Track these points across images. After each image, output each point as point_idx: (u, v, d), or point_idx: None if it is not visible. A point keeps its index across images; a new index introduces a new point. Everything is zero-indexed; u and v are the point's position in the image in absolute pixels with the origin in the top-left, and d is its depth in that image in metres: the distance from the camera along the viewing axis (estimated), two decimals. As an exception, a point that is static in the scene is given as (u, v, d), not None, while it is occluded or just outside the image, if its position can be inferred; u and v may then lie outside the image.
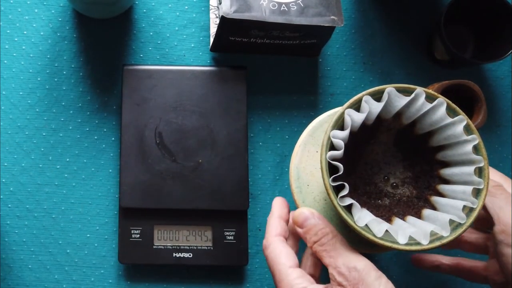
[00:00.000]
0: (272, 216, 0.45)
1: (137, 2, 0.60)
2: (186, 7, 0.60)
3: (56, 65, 0.58)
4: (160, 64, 0.58)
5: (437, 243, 0.38)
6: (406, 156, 0.44)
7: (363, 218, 0.38)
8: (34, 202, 0.56)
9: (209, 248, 0.55)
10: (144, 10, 0.60)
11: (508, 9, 0.56)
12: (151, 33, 0.60)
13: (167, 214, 0.55)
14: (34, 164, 0.57)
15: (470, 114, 0.55)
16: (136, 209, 0.54)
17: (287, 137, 0.59)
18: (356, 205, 0.38)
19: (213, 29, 0.58)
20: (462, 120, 0.39)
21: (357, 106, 0.40)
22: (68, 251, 0.56)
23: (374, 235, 0.38)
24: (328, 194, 0.38)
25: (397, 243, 0.37)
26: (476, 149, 0.39)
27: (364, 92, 0.39)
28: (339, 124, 0.39)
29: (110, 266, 0.56)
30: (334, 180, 0.38)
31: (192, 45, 0.60)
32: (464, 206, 0.38)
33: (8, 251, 0.56)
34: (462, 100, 0.54)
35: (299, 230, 0.41)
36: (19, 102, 0.58)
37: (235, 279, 0.57)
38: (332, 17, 0.53)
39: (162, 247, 0.54)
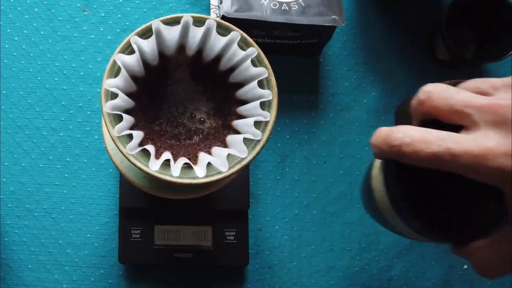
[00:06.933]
0: None
1: (137, 1, 0.60)
2: (187, 7, 0.60)
3: (56, 64, 0.58)
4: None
5: (238, 166, 0.37)
6: (207, 87, 0.42)
7: (158, 162, 0.37)
8: (34, 202, 0.56)
9: (209, 248, 0.54)
10: (145, 10, 0.60)
11: (509, 9, 0.56)
12: (151, 33, 0.59)
13: (167, 214, 0.55)
14: (34, 163, 0.57)
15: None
16: (136, 209, 0.54)
17: (287, 137, 0.59)
18: (151, 150, 0.37)
19: (213, 29, 0.58)
20: (253, 52, 0.38)
21: (130, 50, 0.38)
22: (68, 251, 0.56)
23: (171, 175, 0.36)
24: (117, 145, 0.36)
25: (197, 177, 0.36)
26: (258, 61, 0.38)
27: (132, 34, 0.38)
28: (116, 71, 0.38)
29: (110, 266, 0.56)
30: (131, 130, 0.37)
31: (193, 44, 0.60)
32: (256, 122, 0.37)
33: (8, 251, 0.55)
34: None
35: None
36: (19, 102, 0.57)
37: (235, 279, 0.57)
38: (333, 16, 0.53)
39: (162, 247, 0.54)
